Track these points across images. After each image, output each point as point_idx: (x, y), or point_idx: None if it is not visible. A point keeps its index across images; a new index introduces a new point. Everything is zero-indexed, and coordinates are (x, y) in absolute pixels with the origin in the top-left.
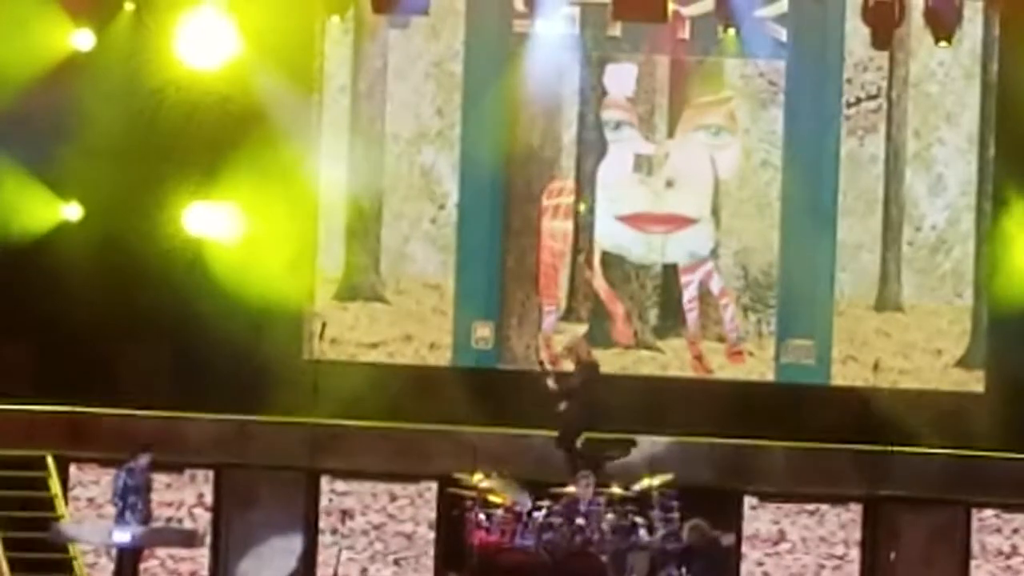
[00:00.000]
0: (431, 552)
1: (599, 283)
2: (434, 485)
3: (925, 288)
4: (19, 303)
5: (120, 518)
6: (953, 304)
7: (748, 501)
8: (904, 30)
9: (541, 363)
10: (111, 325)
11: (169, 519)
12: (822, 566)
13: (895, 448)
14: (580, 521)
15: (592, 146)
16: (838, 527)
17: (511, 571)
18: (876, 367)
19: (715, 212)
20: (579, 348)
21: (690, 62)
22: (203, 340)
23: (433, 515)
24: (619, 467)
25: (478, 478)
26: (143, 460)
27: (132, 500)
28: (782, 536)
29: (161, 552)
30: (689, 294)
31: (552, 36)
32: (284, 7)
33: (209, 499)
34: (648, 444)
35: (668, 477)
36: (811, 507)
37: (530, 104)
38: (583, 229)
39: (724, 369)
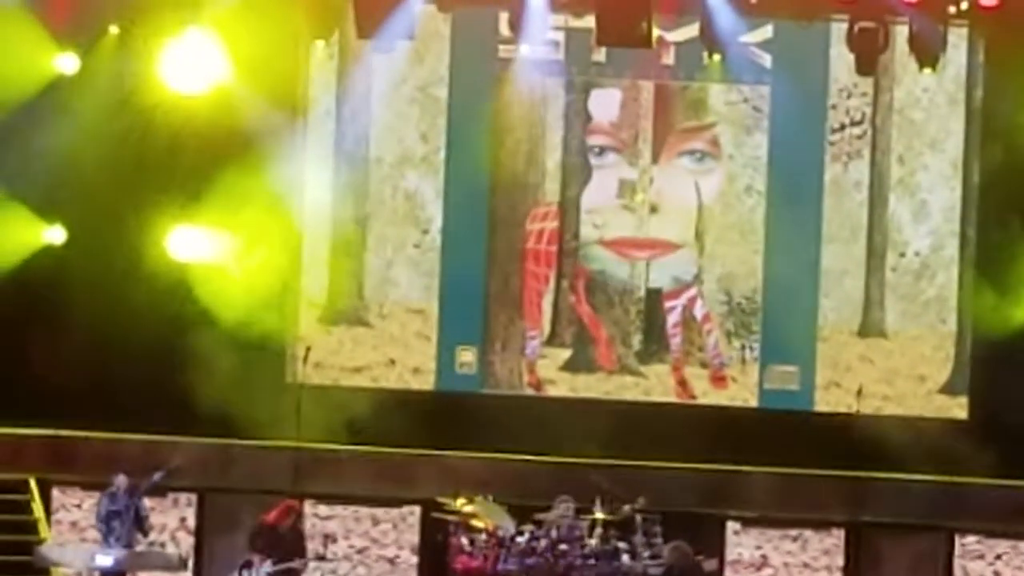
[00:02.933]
0: None
1: (583, 308)
2: (417, 509)
3: (909, 314)
4: (3, 325)
5: (104, 543)
6: (937, 330)
7: (731, 526)
8: (888, 56)
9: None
10: (95, 348)
11: (152, 543)
12: None
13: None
14: (563, 546)
15: (576, 171)
16: (821, 552)
17: None
18: (859, 393)
19: (699, 237)
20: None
21: (674, 88)
22: (187, 363)
23: (416, 539)
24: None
25: (461, 502)
26: (120, 483)
27: (114, 524)
28: (765, 561)
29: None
30: (673, 319)
31: (536, 61)
32: (269, 32)
33: (192, 523)
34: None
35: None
36: (794, 532)
37: (514, 129)
38: (567, 254)
39: (707, 395)
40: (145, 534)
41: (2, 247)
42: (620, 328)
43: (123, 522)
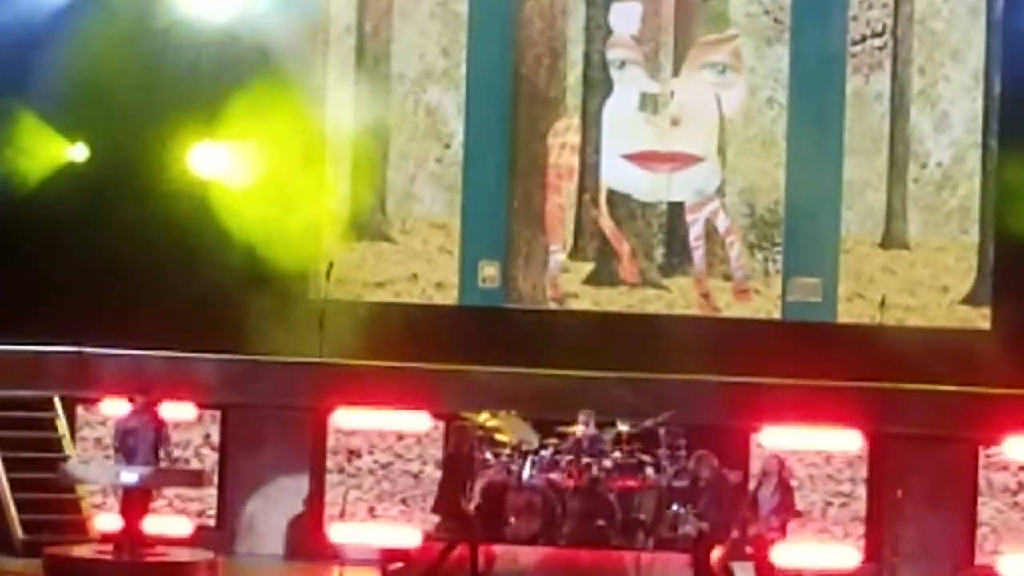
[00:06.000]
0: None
1: (605, 222)
2: (441, 424)
3: (931, 225)
4: (27, 243)
5: (121, 459)
6: (959, 241)
7: (755, 438)
8: None
9: None
10: (118, 265)
11: (176, 459)
12: (829, 503)
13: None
14: (587, 460)
15: (597, 85)
16: (845, 464)
17: (518, 510)
18: (882, 304)
19: (721, 150)
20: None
21: (695, 0)
22: (210, 280)
23: (440, 454)
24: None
25: (485, 417)
26: (138, 400)
27: (130, 441)
28: (789, 473)
29: (168, 492)
30: (695, 232)
31: None
32: None
33: (216, 439)
34: None
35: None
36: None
37: (535, 43)
38: (589, 168)
39: (730, 307)
40: (166, 452)
41: (26, 165)
42: (642, 241)
43: (140, 439)
